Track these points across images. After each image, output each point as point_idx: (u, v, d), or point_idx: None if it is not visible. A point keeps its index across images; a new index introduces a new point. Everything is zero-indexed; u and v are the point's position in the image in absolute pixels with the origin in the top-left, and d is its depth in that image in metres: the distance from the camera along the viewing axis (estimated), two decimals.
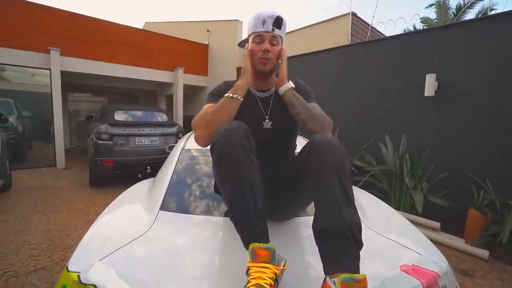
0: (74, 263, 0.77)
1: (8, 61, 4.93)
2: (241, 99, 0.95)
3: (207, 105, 1.01)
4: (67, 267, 0.76)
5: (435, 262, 0.85)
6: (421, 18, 10.99)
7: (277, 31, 1.01)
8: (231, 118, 0.94)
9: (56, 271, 1.92)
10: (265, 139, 1.03)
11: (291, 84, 1.00)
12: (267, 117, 1.07)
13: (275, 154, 1.09)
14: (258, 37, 1.01)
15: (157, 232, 0.96)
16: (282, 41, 1.05)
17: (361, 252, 0.94)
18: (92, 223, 1.09)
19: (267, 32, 1.00)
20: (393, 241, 0.97)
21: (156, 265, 0.79)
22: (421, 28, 9.70)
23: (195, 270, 0.80)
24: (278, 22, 1.00)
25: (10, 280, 1.79)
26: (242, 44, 1.13)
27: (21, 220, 2.78)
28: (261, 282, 0.62)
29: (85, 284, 0.68)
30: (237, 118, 0.99)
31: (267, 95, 1.09)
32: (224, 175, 0.80)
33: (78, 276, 0.71)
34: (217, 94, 1.03)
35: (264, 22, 0.99)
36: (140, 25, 11.13)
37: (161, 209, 1.09)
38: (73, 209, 3.18)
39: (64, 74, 5.33)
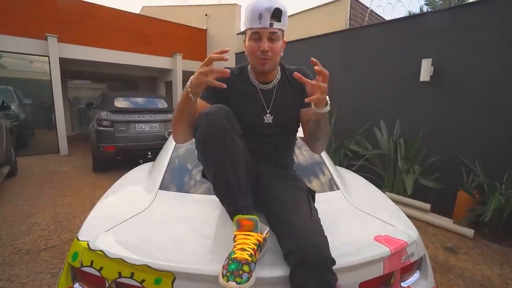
0: (83, 234, 0.87)
1: (6, 48, 4.92)
2: (194, 100, 0.82)
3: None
4: (77, 237, 0.86)
5: (406, 233, 0.94)
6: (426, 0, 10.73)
7: (276, 25, 0.90)
8: (189, 122, 0.86)
9: (66, 249, 2.06)
10: (265, 133, 1.02)
11: (328, 108, 0.85)
12: (268, 111, 1.02)
13: (274, 149, 1.06)
14: (255, 34, 0.91)
15: (157, 208, 1.06)
16: (283, 32, 0.95)
17: (342, 225, 1.04)
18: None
19: (264, 28, 0.89)
20: (372, 216, 1.06)
21: (155, 235, 0.90)
22: (424, 11, 9.49)
23: (191, 238, 0.90)
24: (277, 14, 0.88)
25: (24, 257, 1.93)
26: (240, 33, 1.05)
27: (29, 204, 2.91)
28: (245, 246, 0.72)
29: (94, 250, 0.79)
30: (238, 110, 0.97)
31: (269, 87, 1.03)
32: (207, 157, 0.85)
33: (88, 244, 0.81)
34: (208, 88, 0.93)
35: (260, 16, 0.87)
36: (137, 9, 10.93)
37: (160, 188, 1.19)
38: (78, 193, 3.31)
39: (62, 60, 5.33)
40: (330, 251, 0.74)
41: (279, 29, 0.92)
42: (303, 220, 0.80)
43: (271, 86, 1.04)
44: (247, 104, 1.01)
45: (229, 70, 0.77)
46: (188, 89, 0.79)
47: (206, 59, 0.77)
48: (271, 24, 0.89)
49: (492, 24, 2.69)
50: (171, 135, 1.75)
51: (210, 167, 0.85)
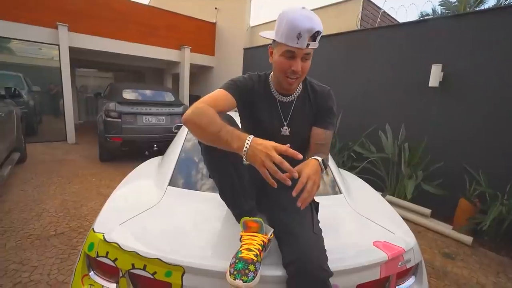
0: (99, 226, 0.92)
1: (17, 35, 4.99)
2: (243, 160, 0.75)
3: (218, 92, 0.90)
4: (93, 228, 0.92)
5: (404, 240, 0.98)
6: (440, 1, 10.54)
7: (312, 45, 0.86)
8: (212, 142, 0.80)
9: (74, 236, 2.14)
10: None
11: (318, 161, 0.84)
12: (285, 123, 1.02)
13: (288, 161, 1.09)
14: (290, 53, 0.87)
15: (166, 204, 1.11)
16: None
17: (343, 229, 1.08)
18: (104, 195, 1.25)
19: (301, 49, 0.85)
20: (372, 221, 1.10)
21: (166, 230, 0.95)
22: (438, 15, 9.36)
23: (200, 235, 0.94)
24: (315, 36, 0.84)
25: (35, 242, 2.01)
26: (266, 36, 0.95)
27: (38, 190, 3.00)
28: (251, 247, 0.77)
29: (109, 242, 0.84)
30: (257, 118, 1.00)
31: (288, 100, 1.02)
32: (212, 165, 0.89)
33: (103, 236, 0.86)
34: (236, 85, 0.95)
35: (299, 36, 0.82)
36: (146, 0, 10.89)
37: (169, 184, 1.24)
38: (85, 181, 3.39)
39: (71, 49, 5.39)
40: (331, 253, 0.78)
41: (313, 48, 0.88)
42: (305, 233, 0.83)
43: (291, 99, 1.02)
44: (266, 113, 1.01)
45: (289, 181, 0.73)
46: (243, 154, 0.73)
47: (285, 148, 0.74)
48: (307, 45, 0.85)
49: (505, 33, 2.67)
50: (182, 127, 1.77)
51: (216, 174, 0.90)
